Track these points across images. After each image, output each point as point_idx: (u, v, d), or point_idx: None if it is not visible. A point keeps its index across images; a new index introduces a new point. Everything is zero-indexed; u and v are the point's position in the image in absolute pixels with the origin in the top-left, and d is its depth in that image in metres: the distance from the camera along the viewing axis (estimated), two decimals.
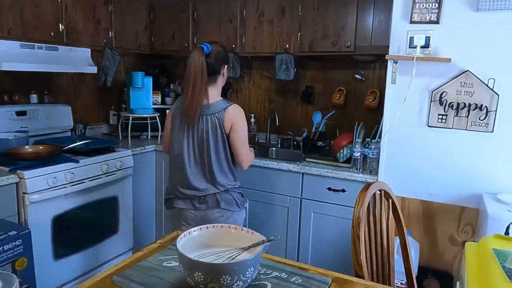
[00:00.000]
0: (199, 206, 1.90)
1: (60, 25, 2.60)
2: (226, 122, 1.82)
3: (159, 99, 3.40)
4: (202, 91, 1.79)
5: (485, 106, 1.98)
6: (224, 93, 3.21)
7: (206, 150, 1.85)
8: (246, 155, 1.90)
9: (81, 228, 2.47)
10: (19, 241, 1.82)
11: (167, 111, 2.29)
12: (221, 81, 1.92)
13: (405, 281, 1.59)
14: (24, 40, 2.41)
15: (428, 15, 2.04)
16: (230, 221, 1.89)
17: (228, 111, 1.83)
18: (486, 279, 1.06)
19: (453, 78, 2.03)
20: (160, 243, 1.23)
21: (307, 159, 2.60)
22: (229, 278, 0.89)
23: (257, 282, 1.01)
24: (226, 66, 1.92)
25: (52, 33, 2.55)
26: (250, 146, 1.97)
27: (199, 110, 1.80)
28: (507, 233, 1.44)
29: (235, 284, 0.90)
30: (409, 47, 2.08)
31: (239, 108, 1.89)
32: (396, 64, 2.14)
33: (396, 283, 2.02)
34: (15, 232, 1.83)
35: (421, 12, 2.05)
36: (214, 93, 1.86)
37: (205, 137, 1.83)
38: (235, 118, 1.84)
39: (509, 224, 1.46)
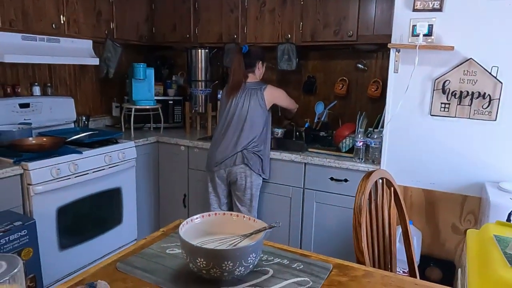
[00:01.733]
0: (226, 162, 2.45)
1: (61, 16, 2.60)
2: (267, 99, 2.46)
3: (161, 91, 3.41)
4: (241, 76, 2.47)
5: (488, 94, 1.97)
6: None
7: (245, 117, 2.42)
8: (291, 107, 2.69)
9: (86, 219, 2.50)
10: (24, 231, 1.85)
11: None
12: (258, 72, 2.54)
13: (407, 270, 1.60)
14: (26, 32, 2.41)
15: (431, 3, 2.01)
16: (249, 180, 2.45)
17: (266, 91, 2.46)
18: (487, 264, 1.07)
19: (456, 66, 2.02)
20: (163, 231, 1.25)
21: (310, 149, 2.60)
22: (231, 264, 0.90)
23: (259, 268, 1.02)
24: (260, 62, 2.53)
25: (53, 25, 2.55)
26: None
27: (239, 87, 2.46)
28: (509, 220, 1.45)
29: (237, 269, 0.91)
30: (412, 36, 2.06)
31: (275, 89, 2.54)
32: (398, 53, 2.13)
33: (398, 272, 2.03)
34: (21, 223, 1.85)
35: (424, 0, 2.03)
36: (251, 78, 2.51)
37: (245, 102, 2.43)
38: (274, 96, 2.51)
39: (511, 211, 1.46)
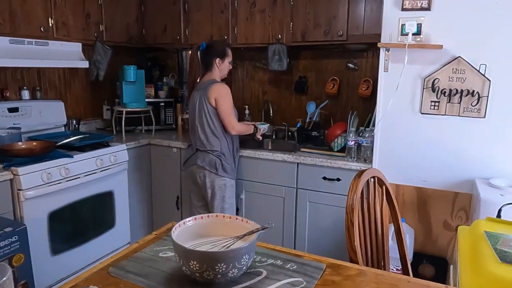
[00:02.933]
0: (187, 163, 2.52)
1: (50, 19, 2.57)
2: (210, 96, 2.34)
3: (152, 93, 3.39)
4: (195, 76, 2.45)
5: (477, 92, 1.99)
6: None
7: (195, 117, 2.42)
8: (229, 122, 2.38)
9: (78, 223, 2.47)
10: (15, 237, 1.82)
11: None
12: (217, 70, 2.44)
13: (400, 267, 1.61)
14: (13, 35, 2.38)
15: (420, 2, 2.03)
16: (207, 180, 2.42)
17: (211, 88, 2.35)
18: (478, 261, 1.08)
19: (445, 65, 2.04)
20: (155, 234, 1.24)
21: (302, 149, 2.61)
22: (224, 266, 0.89)
23: (252, 270, 1.02)
24: (218, 59, 2.42)
25: (41, 28, 2.52)
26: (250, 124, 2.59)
27: (192, 87, 2.47)
28: (499, 216, 1.46)
29: (230, 271, 0.91)
30: (401, 35, 2.08)
31: (221, 85, 2.38)
32: (388, 52, 2.15)
33: (392, 269, 2.04)
34: (11, 229, 1.82)
35: None
36: (208, 77, 2.43)
37: (195, 106, 2.42)
38: (217, 93, 2.34)
39: (501, 207, 1.48)
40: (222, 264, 0.89)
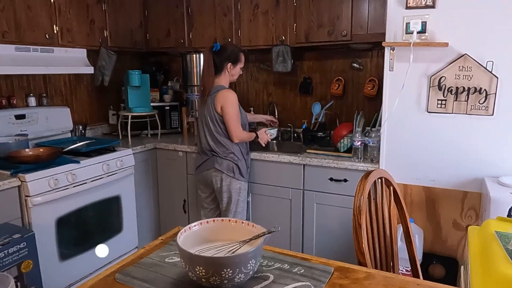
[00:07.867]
0: (201, 167, 2.48)
1: (54, 26, 2.59)
2: (217, 103, 2.33)
3: (157, 97, 3.40)
4: (208, 79, 2.37)
5: (484, 89, 1.96)
6: None
7: (206, 122, 2.39)
8: (234, 130, 2.33)
9: (86, 229, 2.48)
10: (23, 244, 1.83)
11: None
12: (227, 75, 2.41)
13: (409, 268, 1.59)
14: (19, 43, 2.40)
15: (424, 0, 2.01)
16: (224, 183, 2.40)
17: (218, 95, 2.32)
18: (489, 261, 1.06)
19: (451, 63, 2.01)
20: (161, 239, 1.24)
21: (308, 151, 2.59)
22: (231, 271, 0.89)
23: (259, 274, 1.01)
24: (229, 63, 2.38)
25: (46, 35, 2.54)
26: (252, 129, 2.60)
27: (206, 93, 2.38)
28: (509, 215, 1.44)
29: (237, 276, 0.90)
30: (406, 33, 2.06)
31: (227, 92, 2.35)
32: (393, 51, 2.13)
33: (401, 270, 2.02)
34: (19, 235, 1.83)
35: None
36: (218, 82, 2.40)
37: (205, 112, 2.39)
38: (223, 100, 2.31)
39: None
40: (229, 269, 0.88)
